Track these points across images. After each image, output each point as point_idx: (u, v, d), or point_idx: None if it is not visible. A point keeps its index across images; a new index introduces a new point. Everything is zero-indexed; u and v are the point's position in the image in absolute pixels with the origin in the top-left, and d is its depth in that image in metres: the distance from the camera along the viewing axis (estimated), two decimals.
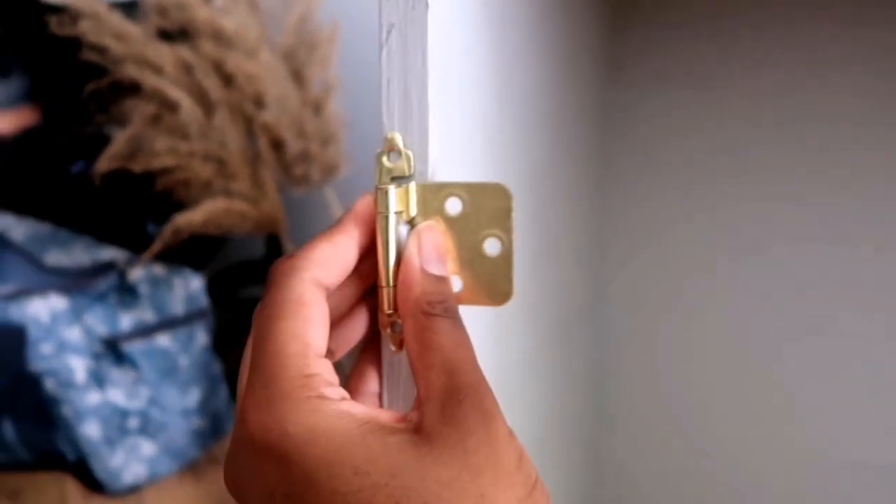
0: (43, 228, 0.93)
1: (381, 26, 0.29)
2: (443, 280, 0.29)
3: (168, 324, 0.93)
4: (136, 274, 0.91)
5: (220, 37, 0.86)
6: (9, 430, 0.83)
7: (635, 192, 0.72)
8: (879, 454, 0.66)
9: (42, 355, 0.83)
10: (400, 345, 0.31)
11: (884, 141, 0.61)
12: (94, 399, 0.85)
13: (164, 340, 0.92)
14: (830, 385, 0.67)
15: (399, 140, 0.30)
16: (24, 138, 0.97)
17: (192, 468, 0.94)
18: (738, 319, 0.70)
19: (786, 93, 0.64)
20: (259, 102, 0.87)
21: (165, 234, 0.84)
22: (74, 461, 0.86)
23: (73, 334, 0.85)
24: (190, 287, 0.95)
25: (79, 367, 0.85)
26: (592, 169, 0.69)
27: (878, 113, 0.61)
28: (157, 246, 0.85)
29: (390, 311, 0.30)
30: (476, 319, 0.32)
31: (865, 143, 0.62)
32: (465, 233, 0.31)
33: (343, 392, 0.28)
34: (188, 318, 0.95)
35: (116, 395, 0.87)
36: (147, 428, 0.89)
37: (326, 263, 0.29)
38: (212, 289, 0.98)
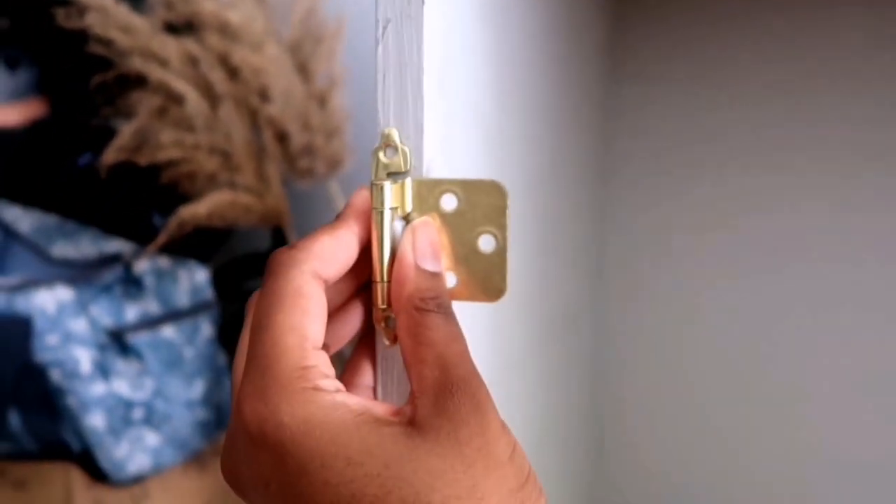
0: (49, 220, 0.94)
1: (377, 21, 0.30)
2: (436, 276, 0.30)
3: (173, 316, 0.93)
4: (142, 266, 0.92)
5: (225, 30, 0.86)
6: (14, 420, 0.84)
7: (635, 189, 0.72)
8: (879, 454, 0.66)
9: (48, 346, 0.84)
10: (394, 339, 0.31)
11: (885, 141, 0.61)
12: (99, 390, 0.86)
13: (169, 332, 0.92)
14: (830, 383, 0.67)
15: (396, 136, 0.30)
16: (32, 130, 0.97)
17: (196, 459, 0.94)
18: (737, 317, 0.70)
19: (788, 90, 0.64)
20: (264, 95, 0.87)
21: (171, 227, 0.85)
22: (79, 451, 0.86)
23: (79, 326, 0.86)
24: (195, 279, 0.96)
25: (84, 358, 0.85)
26: (592, 165, 0.69)
27: (880, 113, 0.61)
28: (162, 238, 0.85)
29: (384, 306, 0.30)
30: (473, 317, 0.32)
31: (867, 142, 0.62)
32: (460, 229, 0.31)
33: (339, 384, 0.28)
34: (193, 310, 0.95)
35: (121, 387, 0.88)
36: (152, 419, 0.90)
37: (327, 257, 0.29)
38: (217, 281, 0.99)
